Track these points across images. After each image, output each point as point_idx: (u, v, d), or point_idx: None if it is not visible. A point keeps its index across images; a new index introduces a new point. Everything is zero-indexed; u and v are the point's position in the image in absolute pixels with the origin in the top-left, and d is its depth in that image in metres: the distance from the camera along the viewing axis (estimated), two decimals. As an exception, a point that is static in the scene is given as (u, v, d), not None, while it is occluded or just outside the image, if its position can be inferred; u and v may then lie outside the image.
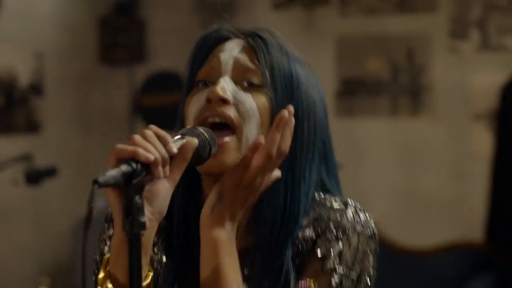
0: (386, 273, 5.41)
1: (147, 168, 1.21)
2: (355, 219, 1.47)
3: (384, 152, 5.73)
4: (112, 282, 1.32)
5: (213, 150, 1.35)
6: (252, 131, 1.38)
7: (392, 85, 5.68)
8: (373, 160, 5.70)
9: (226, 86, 1.39)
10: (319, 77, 5.41)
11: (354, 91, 5.73)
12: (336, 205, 1.48)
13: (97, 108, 6.37)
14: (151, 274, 1.33)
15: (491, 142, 5.39)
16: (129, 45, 6.29)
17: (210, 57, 1.47)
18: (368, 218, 1.51)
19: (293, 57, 1.51)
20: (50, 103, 5.85)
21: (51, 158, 4.85)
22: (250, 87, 1.42)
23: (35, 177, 4.38)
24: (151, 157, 1.20)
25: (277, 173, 1.37)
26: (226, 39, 1.48)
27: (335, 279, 1.41)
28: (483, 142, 5.42)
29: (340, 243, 1.42)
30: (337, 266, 1.41)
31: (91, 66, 6.31)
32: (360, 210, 1.50)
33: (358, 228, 1.45)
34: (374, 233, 1.48)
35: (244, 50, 1.45)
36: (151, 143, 1.23)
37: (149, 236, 1.28)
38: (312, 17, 5.96)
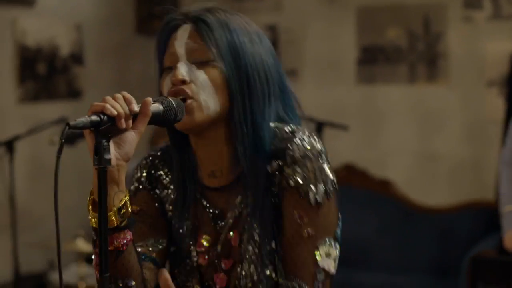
0: (406, 229, 5.66)
1: (113, 120, 1.54)
2: (303, 144, 1.72)
3: (402, 117, 5.84)
4: (92, 206, 1.65)
5: (179, 115, 1.67)
6: (209, 97, 1.70)
7: (410, 53, 5.79)
8: (392, 125, 5.82)
9: (182, 70, 1.70)
10: (341, 45, 5.71)
11: (374, 59, 5.86)
12: (286, 135, 1.75)
13: (134, 76, 6.49)
14: (126, 198, 1.64)
15: (503, 107, 5.40)
16: (164, 16, 6.40)
17: (169, 45, 1.76)
18: (313, 140, 1.74)
19: (234, 27, 1.78)
20: (89, 72, 6.02)
21: None
22: (202, 64, 1.72)
23: (70, 138, 4.67)
24: (114, 112, 1.53)
25: None
26: (178, 26, 1.76)
27: (312, 198, 1.70)
28: (495, 107, 5.48)
29: (299, 169, 1.70)
30: (307, 187, 1.70)
31: (129, 36, 6.46)
32: (305, 135, 1.75)
33: (308, 152, 1.71)
34: (321, 150, 1.74)
35: (191, 34, 1.72)
36: (117, 102, 1.56)
37: (119, 171, 1.61)
38: None
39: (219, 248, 1.77)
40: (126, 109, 1.55)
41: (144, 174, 1.88)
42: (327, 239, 1.75)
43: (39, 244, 5.14)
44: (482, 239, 5.23)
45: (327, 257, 1.77)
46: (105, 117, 1.52)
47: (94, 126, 1.52)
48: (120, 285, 1.65)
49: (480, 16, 5.61)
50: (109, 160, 1.54)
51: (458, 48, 5.68)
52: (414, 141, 5.84)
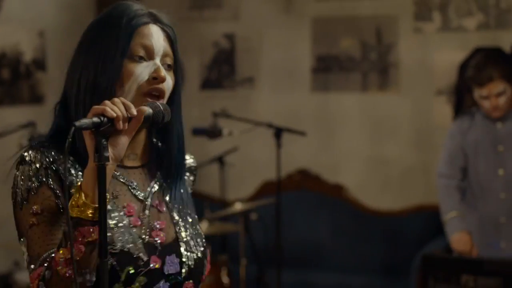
0: (358, 231, 5.88)
1: (112, 122, 1.69)
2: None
3: (355, 123, 6.02)
4: (82, 199, 1.72)
5: (166, 118, 1.84)
6: (165, 100, 1.91)
7: (363, 62, 5.99)
8: (345, 131, 5.99)
9: (163, 69, 1.89)
10: (297, 54, 5.88)
11: (328, 67, 6.03)
12: None
13: None
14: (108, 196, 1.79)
15: (451, 114, 5.50)
16: None
17: (141, 35, 1.89)
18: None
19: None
20: (52, 77, 6.01)
21: None
22: (168, 68, 1.92)
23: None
24: (114, 114, 1.68)
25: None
26: (148, 22, 1.91)
27: None
28: (443, 114, 5.68)
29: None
30: None
31: None
32: None
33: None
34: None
35: (166, 38, 1.91)
36: (117, 106, 1.71)
37: (110, 170, 1.73)
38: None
39: (147, 212, 1.92)
40: (124, 112, 1.71)
41: (39, 166, 1.84)
42: None
43: (4, 245, 5.23)
44: (431, 241, 5.43)
45: None
46: (105, 119, 1.68)
47: (95, 127, 1.67)
48: (89, 278, 1.73)
49: (430, 28, 5.82)
50: (107, 157, 1.68)
51: (409, 58, 5.87)
52: (366, 147, 6.03)
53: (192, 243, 1.95)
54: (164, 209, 1.96)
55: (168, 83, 1.90)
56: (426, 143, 5.87)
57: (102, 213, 1.68)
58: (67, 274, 1.68)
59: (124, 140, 1.75)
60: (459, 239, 4.26)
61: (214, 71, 6.43)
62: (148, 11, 1.93)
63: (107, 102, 1.71)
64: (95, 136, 1.68)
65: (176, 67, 1.94)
